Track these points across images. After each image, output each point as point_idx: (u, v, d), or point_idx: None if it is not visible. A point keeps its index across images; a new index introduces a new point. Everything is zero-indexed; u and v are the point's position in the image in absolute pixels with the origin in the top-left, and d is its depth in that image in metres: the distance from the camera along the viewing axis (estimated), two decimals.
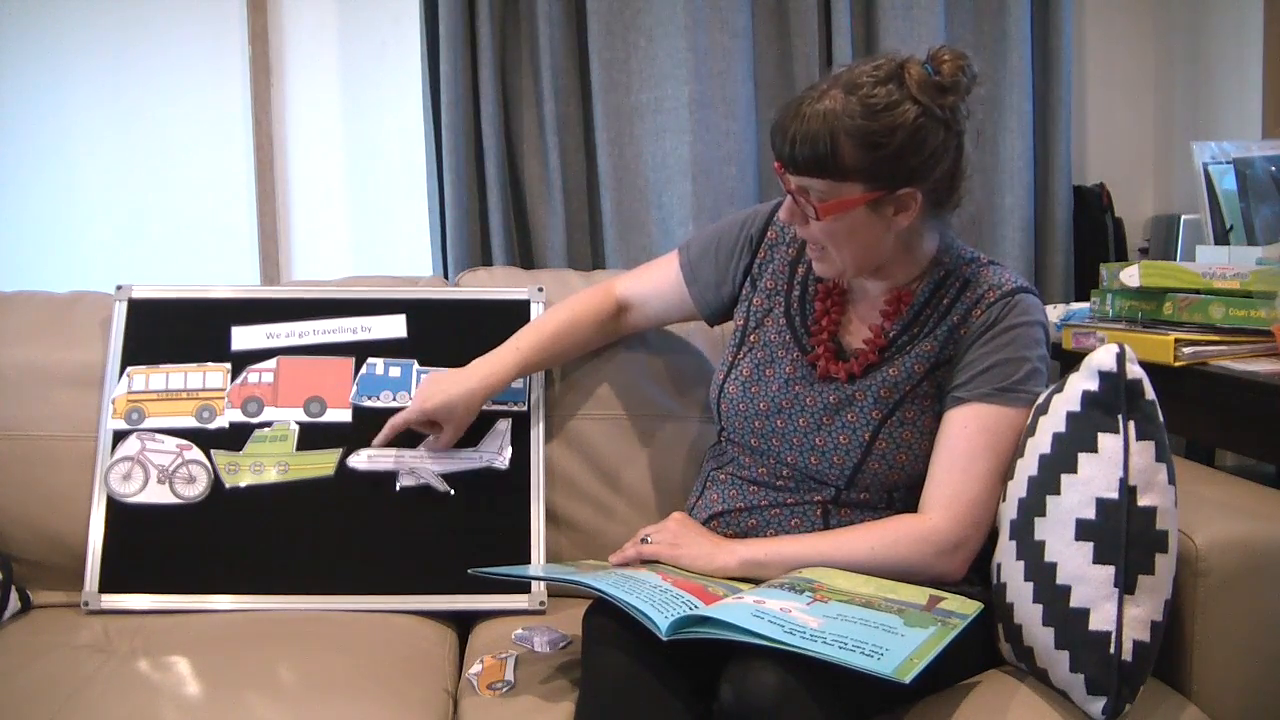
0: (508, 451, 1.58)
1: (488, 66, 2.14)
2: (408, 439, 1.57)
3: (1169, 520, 1.13)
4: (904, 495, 1.32)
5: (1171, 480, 1.14)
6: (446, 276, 2.18)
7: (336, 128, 2.30)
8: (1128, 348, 1.15)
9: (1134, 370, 1.14)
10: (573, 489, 1.63)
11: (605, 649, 1.19)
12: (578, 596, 1.39)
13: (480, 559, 1.41)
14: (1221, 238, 1.81)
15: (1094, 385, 1.16)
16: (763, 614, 1.08)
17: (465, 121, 2.15)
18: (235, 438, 1.58)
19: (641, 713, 1.13)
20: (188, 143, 2.27)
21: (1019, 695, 1.18)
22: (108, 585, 1.51)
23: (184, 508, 1.55)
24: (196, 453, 1.57)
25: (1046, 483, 1.18)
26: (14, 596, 1.52)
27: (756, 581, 1.25)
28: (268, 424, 1.59)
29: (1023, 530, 1.20)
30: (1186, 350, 1.53)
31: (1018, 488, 1.22)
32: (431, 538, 1.55)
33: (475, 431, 1.57)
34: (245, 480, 1.56)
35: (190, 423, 1.58)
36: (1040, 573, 1.16)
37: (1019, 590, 1.19)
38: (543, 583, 1.54)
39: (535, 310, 1.66)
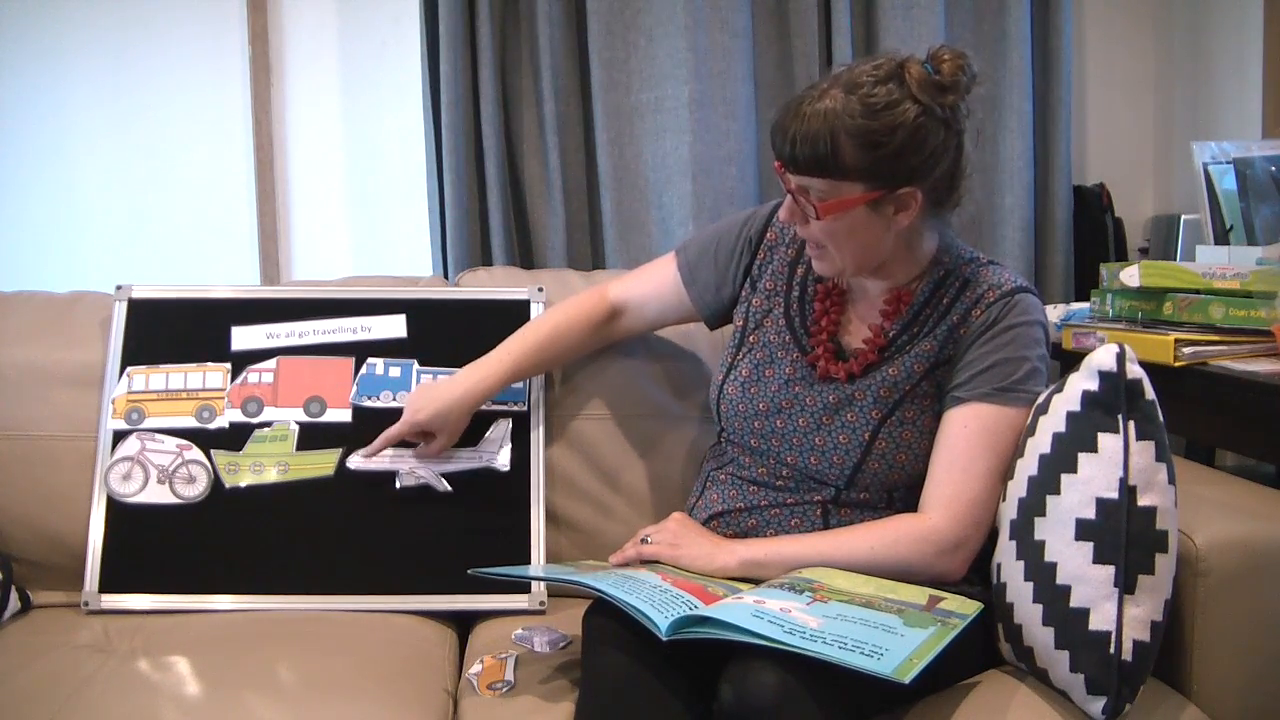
0: (508, 451, 1.58)
1: (488, 66, 2.14)
2: (409, 440, 1.57)
3: (1169, 520, 1.13)
4: (904, 495, 1.32)
5: (1171, 480, 1.14)
6: (446, 276, 2.18)
7: (336, 128, 2.30)
8: (1128, 348, 1.15)
9: (1134, 370, 1.14)
10: (573, 489, 1.63)
11: (605, 649, 1.19)
12: (578, 596, 1.39)
13: (480, 559, 1.41)
14: (1221, 238, 1.81)
15: (1094, 385, 1.16)
16: (762, 614, 1.08)
17: (465, 121, 2.15)
18: (235, 438, 1.58)
19: (641, 713, 1.13)
20: (188, 143, 2.27)
21: (1019, 695, 1.18)
22: (108, 585, 1.51)
23: (184, 508, 1.55)
24: (196, 453, 1.57)
25: (1046, 482, 1.18)
26: (14, 596, 1.52)
27: (756, 581, 1.25)
28: (268, 424, 1.59)
29: (1023, 530, 1.20)
30: (1186, 350, 1.53)
31: (1018, 487, 1.22)
32: (431, 538, 1.55)
33: (475, 431, 1.57)
34: (245, 480, 1.56)
35: (190, 423, 1.58)
36: (1040, 573, 1.16)
37: (1019, 590, 1.19)
38: (543, 583, 1.54)
39: (535, 310, 1.66)
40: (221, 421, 1.59)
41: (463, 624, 1.53)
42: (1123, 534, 1.11)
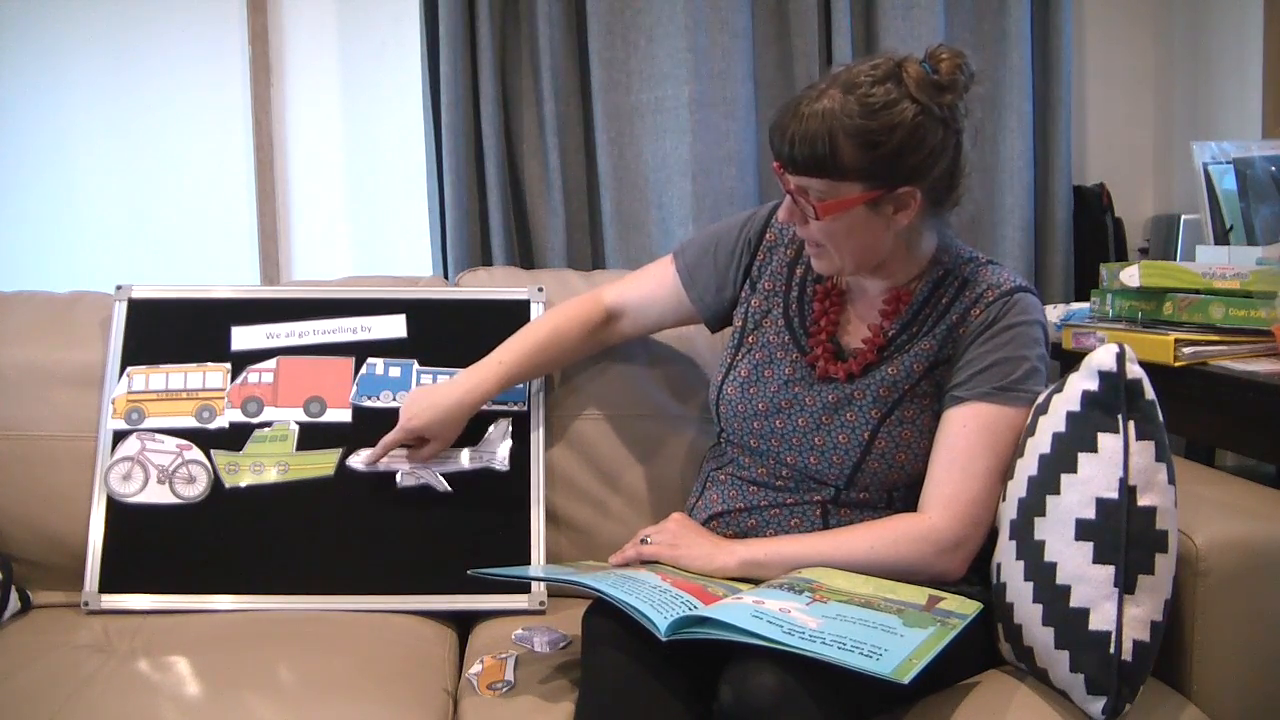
0: (508, 451, 1.58)
1: (488, 66, 2.14)
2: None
3: (1169, 520, 1.13)
4: (904, 495, 1.32)
5: (1171, 480, 1.14)
6: (446, 276, 2.18)
7: (336, 128, 2.30)
8: (1128, 348, 1.15)
9: (1134, 370, 1.14)
10: (573, 489, 1.63)
11: (605, 649, 1.19)
12: (578, 596, 1.39)
13: (480, 559, 1.41)
14: (1221, 238, 1.81)
15: (1094, 385, 1.16)
16: (762, 614, 1.07)
17: (465, 121, 2.15)
18: (235, 438, 1.58)
19: (641, 713, 1.13)
20: (188, 143, 2.27)
21: (1019, 695, 1.18)
22: (108, 585, 1.51)
23: (184, 508, 1.55)
24: (196, 453, 1.57)
25: (1046, 482, 1.18)
26: (14, 596, 1.52)
27: (756, 582, 1.25)
28: (268, 424, 1.59)
29: (1022, 530, 1.20)
30: (1186, 350, 1.53)
31: (1017, 487, 1.22)
32: (431, 538, 1.55)
33: (475, 431, 1.57)
34: (245, 480, 1.56)
35: (190, 423, 1.58)
36: (1040, 572, 1.16)
37: (1019, 590, 1.19)
38: (543, 583, 1.54)
39: (535, 310, 1.66)
40: (221, 421, 1.59)
41: (463, 624, 1.53)
42: (1123, 534, 1.11)
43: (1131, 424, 1.13)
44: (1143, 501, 1.12)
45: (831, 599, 1.15)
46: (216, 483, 1.56)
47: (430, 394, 1.53)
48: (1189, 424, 1.65)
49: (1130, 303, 1.68)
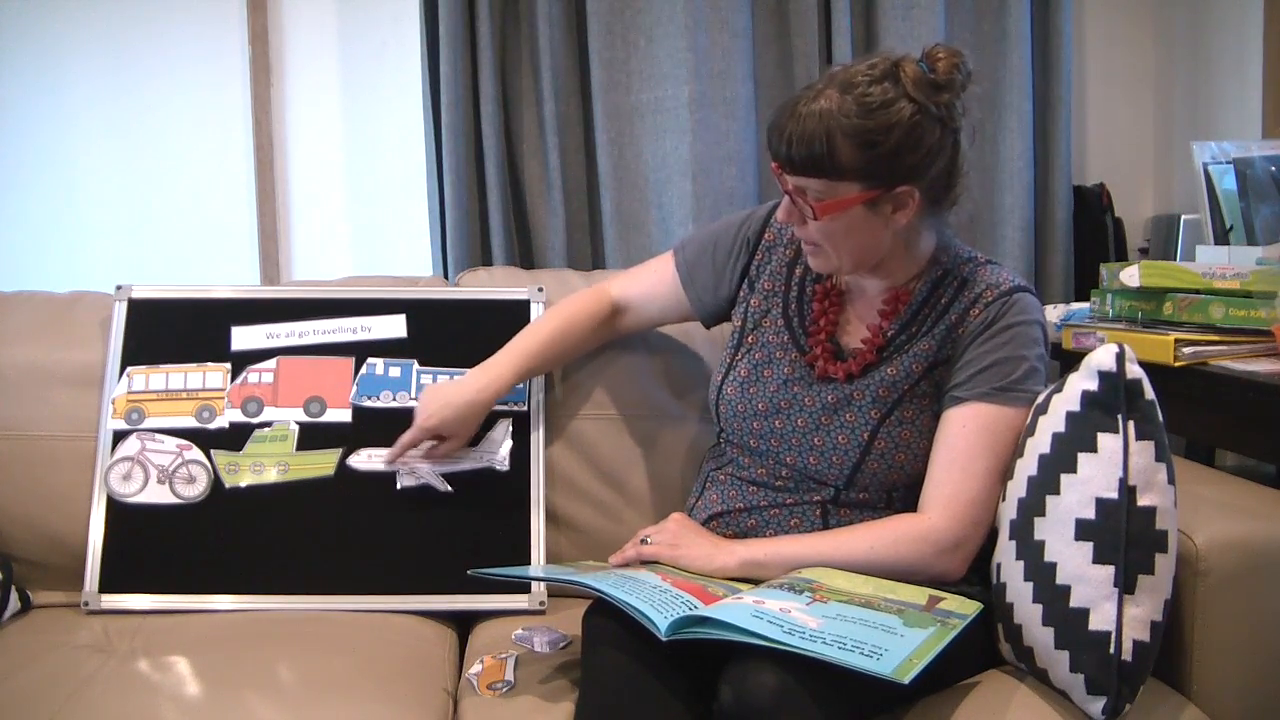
0: (508, 451, 1.58)
1: (488, 66, 2.14)
2: None
3: (1169, 520, 1.13)
4: (903, 495, 1.32)
5: (1171, 480, 1.14)
6: (446, 276, 2.18)
7: (336, 128, 2.30)
8: (1127, 348, 1.15)
9: (1133, 370, 1.14)
10: (573, 489, 1.63)
11: (605, 649, 1.19)
12: (578, 596, 1.39)
13: (480, 559, 1.41)
14: (1221, 238, 1.81)
15: (1093, 385, 1.16)
16: (762, 614, 1.07)
17: (465, 121, 2.15)
18: (235, 438, 1.58)
19: (641, 713, 1.13)
20: (188, 143, 2.27)
21: (1019, 695, 1.18)
22: (108, 585, 1.51)
23: (184, 508, 1.55)
24: (196, 453, 1.57)
25: (1046, 483, 1.18)
26: (14, 596, 1.52)
27: (756, 582, 1.25)
28: (268, 424, 1.59)
29: (1022, 530, 1.20)
30: (1186, 350, 1.53)
31: (1017, 488, 1.22)
32: (431, 538, 1.55)
33: (476, 431, 1.57)
34: (245, 480, 1.56)
35: (190, 423, 1.58)
36: (1040, 573, 1.16)
37: (1019, 590, 1.19)
38: (543, 583, 1.54)
39: (535, 310, 1.66)
40: (221, 421, 1.59)
41: (463, 624, 1.53)
42: (1122, 534, 1.11)
43: (1131, 424, 1.13)
44: (1143, 501, 1.12)
45: (832, 599, 1.15)
46: (216, 483, 1.56)
47: (444, 392, 1.53)
48: (1189, 424, 1.65)
49: (1130, 303, 1.68)
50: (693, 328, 1.65)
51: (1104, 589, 1.11)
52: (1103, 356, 1.15)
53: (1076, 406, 1.17)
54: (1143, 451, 1.13)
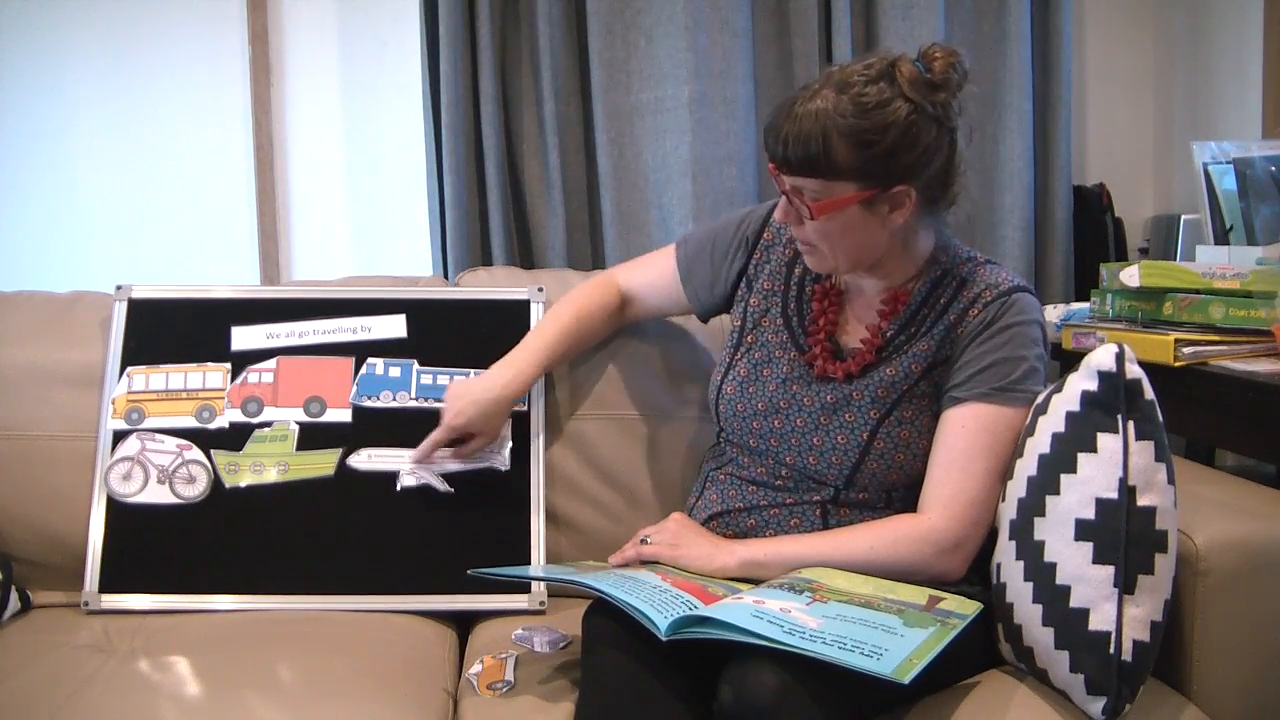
0: (508, 451, 1.58)
1: (488, 66, 2.14)
2: (408, 439, 1.57)
3: (1168, 520, 1.13)
4: (903, 495, 1.32)
5: (1171, 480, 1.14)
6: (446, 276, 2.18)
7: (336, 128, 2.30)
8: (1127, 347, 1.15)
9: (1133, 370, 1.14)
10: (573, 489, 1.63)
11: (605, 649, 1.19)
12: (578, 596, 1.39)
13: (480, 559, 1.41)
14: (1221, 238, 1.81)
15: (1093, 385, 1.16)
16: (762, 614, 1.07)
17: (465, 121, 2.15)
18: (235, 438, 1.58)
19: (641, 713, 1.13)
20: (188, 143, 2.27)
21: (1019, 695, 1.18)
22: (108, 585, 1.51)
23: (184, 508, 1.55)
24: (196, 453, 1.57)
25: (1046, 483, 1.18)
26: (14, 596, 1.52)
27: (756, 582, 1.25)
28: (268, 424, 1.59)
29: (1022, 530, 1.20)
30: (1186, 350, 1.53)
31: (1017, 488, 1.22)
32: (431, 538, 1.55)
33: None
34: (245, 480, 1.56)
35: (190, 423, 1.58)
36: (1040, 573, 1.16)
37: (1019, 590, 1.19)
38: (543, 583, 1.54)
39: (535, 310, 1.66)
40: (221, 421, 1.59)
41: (463, 624, 1.53)
42: (1122, 534, 1.11)
43: (1131, 424, 1.13)
44: (1142, 501, 1.12)
45: (832, 599, 1.15)
46: (216, 483, 1.56)
47: (471, 390, 1.52)
48: (1189, 424, 1.66)
49: (1130, 303, 1.68)
50: (693, 328, 1.65)
51: (1104, 589, 1.11)
52: (1102, 356, 1.15)
53: (1076, 406, 1.17)
54: (1143, 451, 1.13)
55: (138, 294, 1.65)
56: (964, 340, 1.30)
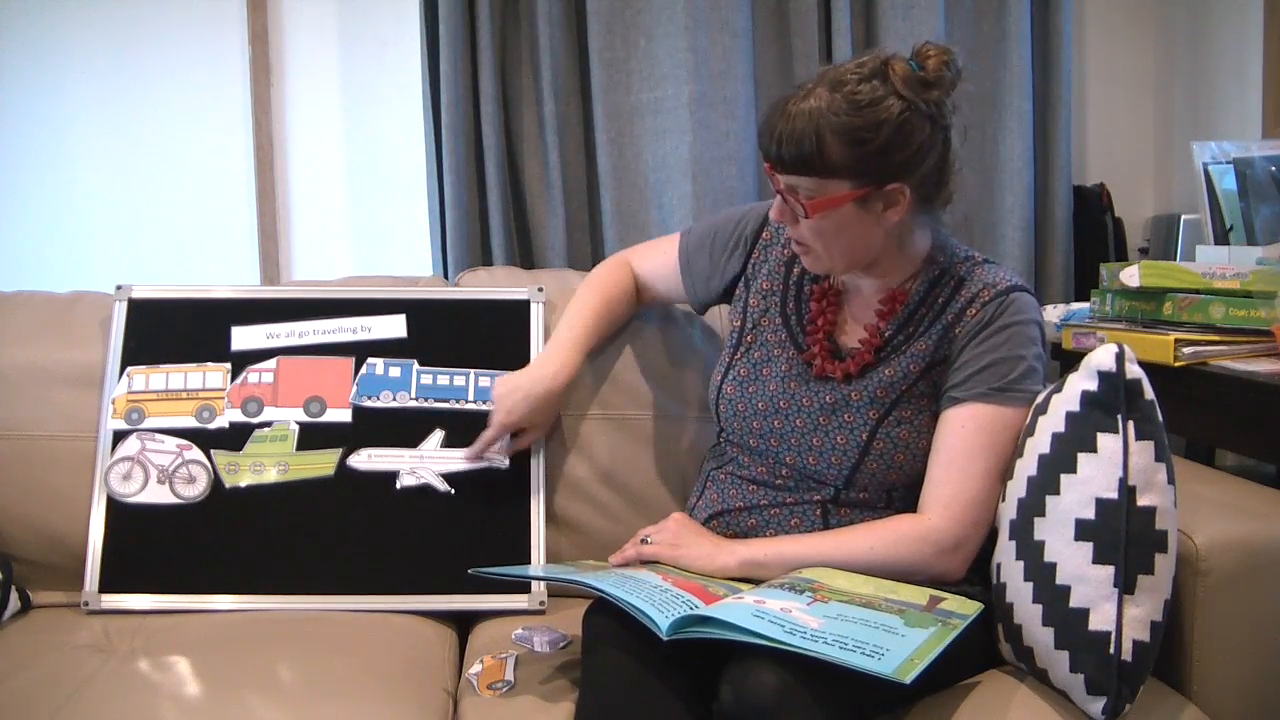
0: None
1: (488, 66, 2.14)
2: (408, 439, 1.57)
3: (1168, 520, 1.13)
4: (903, 495, 1.32)
5: (1171, 480, 1.14)
6: (446, 276, 2.18)
7: (336, 128, 2.30)
8: (1127, 347, 1.15)
9: (1133, 370, 1.14)
10: (573, 489, 1.63)
11: (605, 649, 1.19)
12: (578, 596, 1.39)
13: (480, 559, 1.41)
14: (1221, 238, 1.81)
15: (1093, 385, 1.16)
16: (763, 614, 1.07)
17: (465, 121, 2.15)
18: (235, 438, 1.58)
19: (641, 713, 1.13)
20: (188, 143, 2.27)
21: (1019, 695, 1.18)
22: (108, 585, 1.51)
23: (184, 508, 1.55)
24: (196, 453, 1.57)
25: (1046, 483, 1.18)
26: (14, 596, 1.52)
27: (756, 582, 1.25)
28: (268, 424, 1.59)
29: (1022, 530, 1.20)
30: (1186, 350, 1.53)
31: (1017, 488, 1.22)
32: (431, 538, 1.55)
33: (475, 431, 1.57)
34: (245, 480, 1.56)
35: (190, 423, 1.58)
36: (1040, 573, 1.16)
37: (1019, 590, 1.19)
38: (543, 583, 1.54)
39: (535, 310, 1.66)
40: (221, 421, 1.59)
41: (463, 624, 1.53)
42: (1122, 534, 1.11)
43: (1131, 424, 1.13)
44: (1142, 501, 1.12)
45: (832, 599, 1.15)
46: (216, 483, 1.56)
47: (519, 387, 1.52)
48: (1189, 424, 1.66)
49: (1130, 303, 1.68)
50: (695, 327, 1.65)
51: (1104, 589, 1.11)
52: (1102, 356, 1.15)
53: (1076, 406, 1.17)
54: (1142, 451, 1.13)
55: (138, 294, 1.65)
56: (962, 340, 1.30)
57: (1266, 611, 1.20)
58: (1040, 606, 1.16)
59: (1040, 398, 1.25)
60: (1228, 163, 1.81)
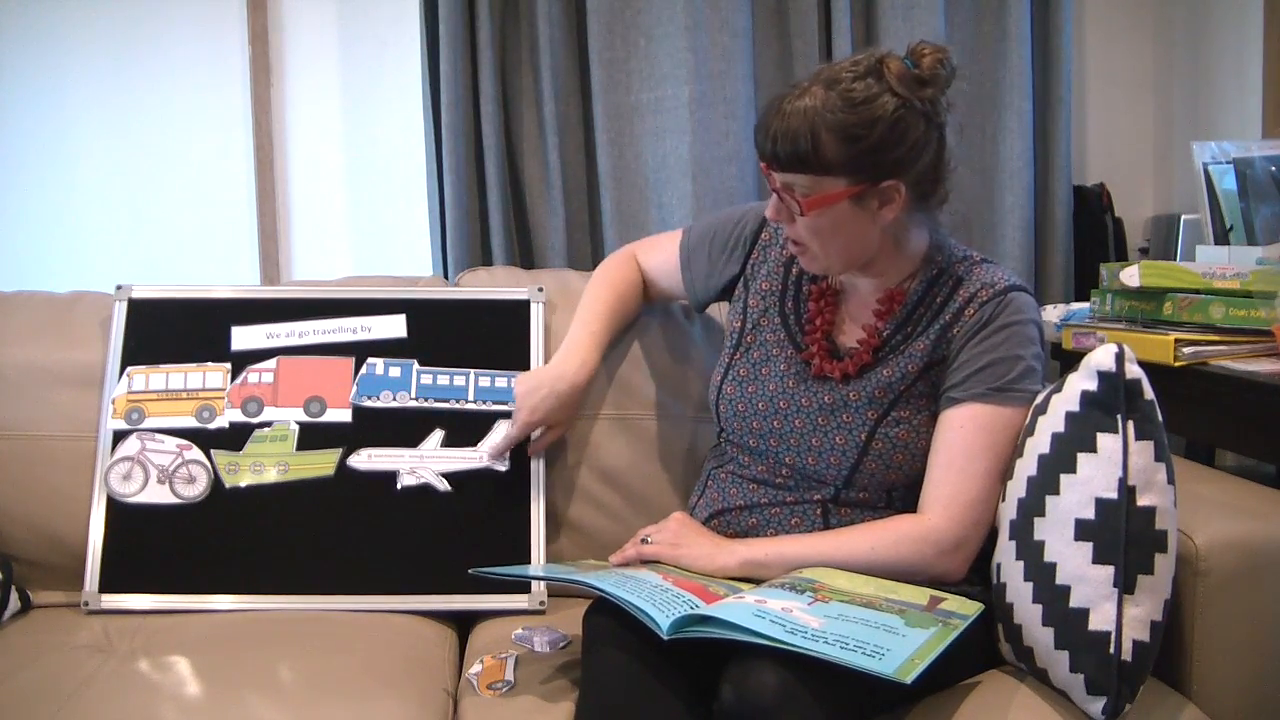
0: (508, 451, 1.58)
1: (488, 66, 2.14)
2: (408, 439, 1.57)
3: (1168, 520, 1.13)
4: (903, 494, 1.32)
5: (1171, 480, 1.14)
6: (446, 276, 2.18)
7: (336, 128, 2.30)
8: (1126, 347, 1.15)
9: (1133, 370, 1.14)
10: (573, 489, 1.63)
11: (605, 649, 1.19)
12: (578, 596, 1.39)
13: (480, 559, 1.41)
14: (1221, 238, 1.81)
15: (1093, 385, 1.16)
16: (764, 614, 1.07)
17: (465, 121, 2.15)
18: (235, 438, 1.58)
19: (641, 713, 1.13)
20: (188, 143, 2.27)
21: (1019, 695, 1.18)
22: (108, 585, 1.51)
23: (184, 508, 1.55)
24: (196, 453, 1.57)
25: (1046, 483, 1.18)
26: (14, 596, 1.52)
27: (757, 581, 1.25)
28: (268, 424, 1.59)
29: (1022, 530, 1.20)
30: (1186, 350, 1.53)
31: (1017, 488, 1.22)
32: (431, 538, 1.55)
33: (475, 431, 1.57)
34: (245, 480, 1.56)
35: (190, 423, 1.58)
36: (1040, 573, 1.16)
37: (1019, 590, 1.19)
38: (543, 582, 1.54)
39: (535, 310, 1.66)
40: (221, 421, 1.59)
41: (463, 624, 1.53)
42: (1122, 534, 1.11)
43: (1131, 424, 1.13)
44: (1142, 501, 1.12)
45: (833, 599, 1.15)
46: (216, 483, 1.56)
47: (541, 384, 1.52)
48: (1189, 424, 1.66)
49: (1130, 303, 1.68)
50: (695, 326, 1.65)
51: (1104, 589, 1.11)
52: (1102, 356, 1.15)
53: (1076, 406, 1.17)
54: (1142, 451, 1.13)
55: (138, 294, 1.65)
56: (960, 340, 1.30)
57: (1266, 611, 1.20)
58: (1040, 606, 1.16)
59: (1040, 398, 1.25)
60: (1228, 163, 1.81)
